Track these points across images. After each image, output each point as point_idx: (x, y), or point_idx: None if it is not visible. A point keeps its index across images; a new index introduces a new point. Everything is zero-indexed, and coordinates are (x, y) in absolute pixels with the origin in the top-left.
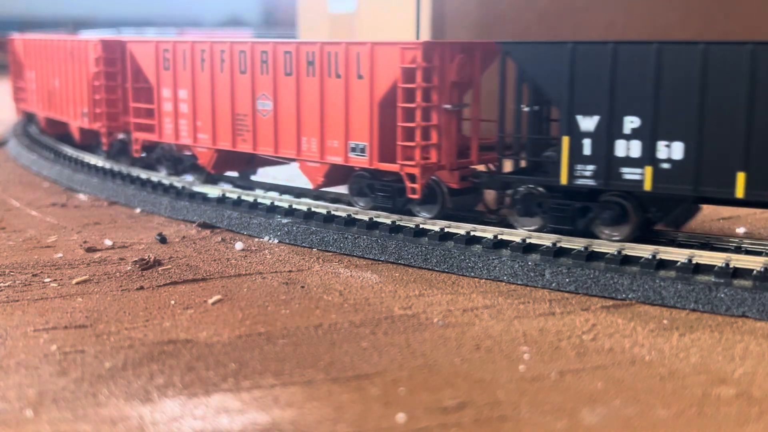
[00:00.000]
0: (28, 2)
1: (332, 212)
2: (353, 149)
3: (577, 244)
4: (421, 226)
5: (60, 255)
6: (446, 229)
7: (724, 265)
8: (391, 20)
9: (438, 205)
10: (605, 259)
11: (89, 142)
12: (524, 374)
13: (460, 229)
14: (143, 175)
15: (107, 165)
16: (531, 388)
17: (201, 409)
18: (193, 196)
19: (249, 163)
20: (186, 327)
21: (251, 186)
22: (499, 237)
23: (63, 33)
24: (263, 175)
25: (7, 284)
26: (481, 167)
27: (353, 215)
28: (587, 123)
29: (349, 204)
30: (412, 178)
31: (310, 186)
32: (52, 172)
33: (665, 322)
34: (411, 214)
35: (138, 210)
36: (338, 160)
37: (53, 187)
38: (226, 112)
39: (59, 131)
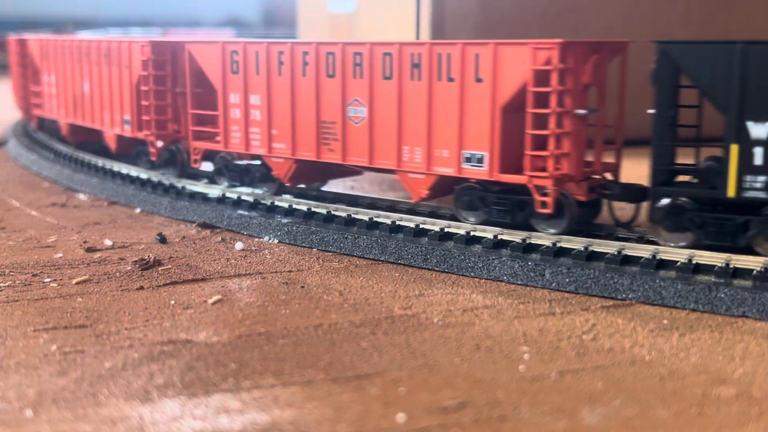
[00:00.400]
0: (27, 2)
1: (332, 212)
2: (468, 159)
3: (577, 244)
4: (421, 226)
5: (60, 255)
6: (446, 229)
7: (724, 265)
8: (391, 20)
9: (565, 220)
10: (605, 259)
11: (126, 151)
12: (524, 374)
13: (460, 229)
14: (144, 175)
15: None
16: (531, 388)
17: (201, 409)
18: (193, 196)
19: (326, 174)
20: (186, 327)
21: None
22: (499, 237)
23: (64, 33)
24: (332, 185)
25: (7, 284)
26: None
27: (353, 215)
28: (759, 130)
29: (456, 218)
30: (542, 190)
31: (411, 199)
32: (52, 172)
33: (665, 322)
34: (531, 228)
35: (138, 210)
36: (449, 171)
37: (53, 187)
38: (309, 120)
39: (86, 139)
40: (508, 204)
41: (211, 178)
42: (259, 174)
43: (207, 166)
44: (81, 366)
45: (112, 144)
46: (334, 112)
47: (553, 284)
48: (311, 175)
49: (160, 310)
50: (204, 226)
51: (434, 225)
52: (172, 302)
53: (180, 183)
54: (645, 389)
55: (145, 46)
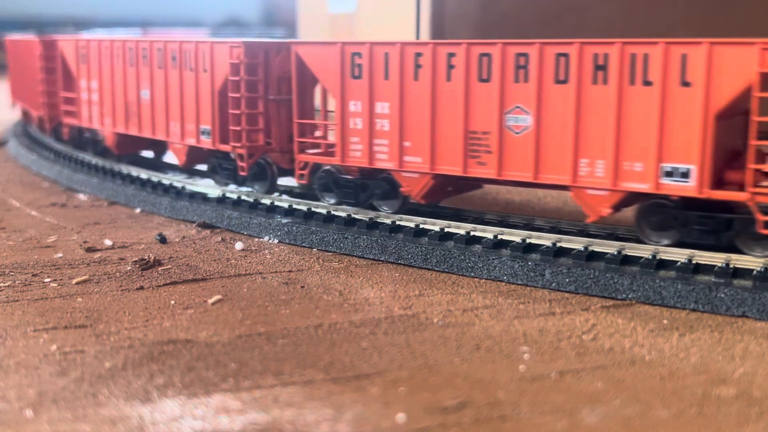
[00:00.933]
0: (27, 2)
1: (332, 212)
2: (669, 174)
3: (576, 243)
4: (421, 226)
5: (60, 255)
6: (446, 229)
7: (724, 265)
8: (391, 20)
9: None
10: (605, 259)
11: (196, 164)
12: (524, 374)
13: (460, 229)
14: (144, 175)
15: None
16: (531, 388)
17: (201, 409)
18: (193, 196)
19: (462, 189)
20: (186, 327)
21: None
22: (499, 237)
23: (66, 33)
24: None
25: (7, 284)
26: None
27: (353, 215)
28: None
29: (641, 240)
30: (765, 209)
31: (587, 219)
32: (52, 172)
33: (665, 322)
34: (739, 251)
35: (138, 210)
36: (643, 187)
37: (53, 187)
38: (454, 131)
39: (136, 151)
40: (713, 224)
41: (312, 195)
42: (381, 191)
43: (285, 180)
44: (81, 366)
45: (180, 156)
46: (489, 121)
47: (553, 284)
48: (444, 191)
49: (160, 310)
50: (204, 226)
51: (434, 225)
52: (172, 302)
53: (180, 183)
54: (645, 389)
55: (237, 48)
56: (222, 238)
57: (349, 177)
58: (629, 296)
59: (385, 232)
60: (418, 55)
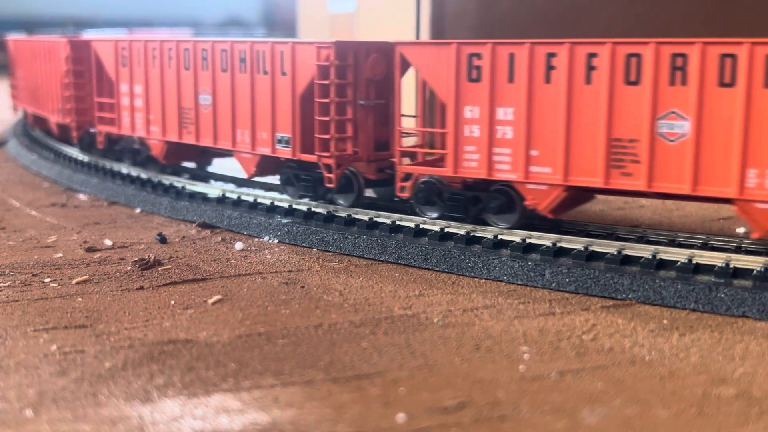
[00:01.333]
0: (28, 2)
1: (332, 212)
2: None
3: (576, 243)
4: (421, 226)
5: (60, 255)
6: (446, 229)
7: (724, 265)
8: (391, 20)
9: None
10: (605, 259)
11: (266, 175)
12: (524, 374)
13: (460, 229)
14: (144, 175)
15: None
16: (531, 388)
17: (201, 409)
18: (193, 196)
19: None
20: (186, 327)
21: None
22: (499, 237)
23: (67, 33)
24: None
25: (7, 284)
26: None
27: (353, 215)
28: None
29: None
30: None
31: (753, 234)
32: (52, 172)
33: (665, 322)
34: None
35: (138, 210)
36: None
37: (53, 187)
38: (594, 138)
39: (187, 160)
40: None
41: (401, 208)
42: (497, 204)
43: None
44: (81, 366)
45: (249, 167)
46: (636, 128)
47: (553, 284)
48: (572, 203)
49: (160, 310)
50: (204, 226)
51: (434, 225)
52: (172, 302)
53: (180, 183)
54: (645, 389)
55: (327, 49)
56: (222, 238)
57: (458, 189)
58: (629, 296)
59: (385, 232)
60: (551, 55)
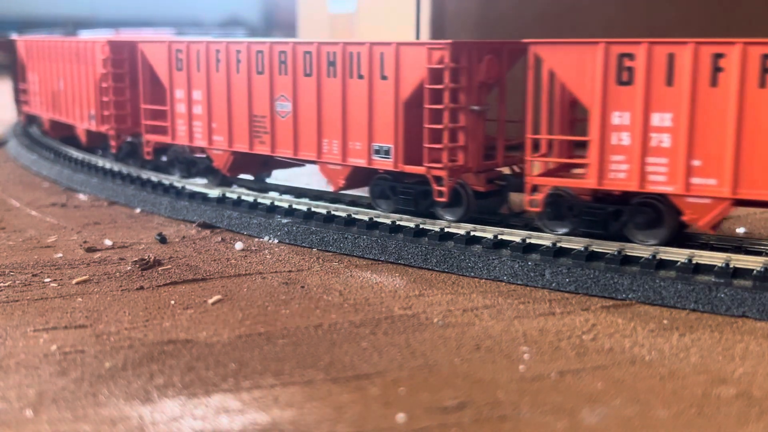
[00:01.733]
0: (27, 2)
1: (332, 212)
2: None
3: (576, 243)
4: (421, 226)
5: (60, 255)
6: (446, 229)
7: (724, 265)
8: (391, 20)
9: None
10: (605, 259)
11: (356, 187)
12: (524, 374)
13: (460, 229)
14: (144, 175)
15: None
16: (531, 388)
17: (201, 409)
18: (193, 196)
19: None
20: (186, 327)
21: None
22: (499, 237)
23: (66, 33)
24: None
25: (7, 284)
26: None
27: (353, 215)
28: None
29: None
30: None
31: None
32: (52, 172)
33: (665, 322)
34: None
35: (138, 210)
36: None
37: (53, 187)
38: (764, 144)
39: (251, 172)
40: None
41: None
42: (644, 219)
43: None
44: (81, 366)
45: (337, 179)
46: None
47: (553, 284)
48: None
49: (160, 310)
50: (204, 226)
51: (434, 225)
52: (172, 302)
53: (180, 183)
54: (645, 389)
55: (440, 50)
56: (222, 238)
57: (596, 203)
58: (629, 296)
59: (385, 232)
60: (718, 56)
